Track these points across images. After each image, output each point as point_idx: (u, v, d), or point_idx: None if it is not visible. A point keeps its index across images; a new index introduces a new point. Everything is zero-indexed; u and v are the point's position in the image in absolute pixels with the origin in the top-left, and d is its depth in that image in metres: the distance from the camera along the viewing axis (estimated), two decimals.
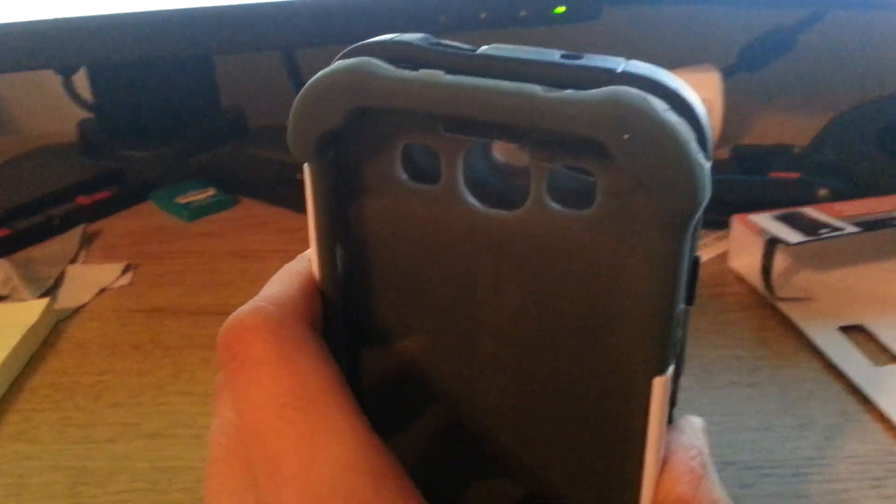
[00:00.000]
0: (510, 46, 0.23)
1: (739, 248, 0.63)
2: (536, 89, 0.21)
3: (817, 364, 0.52)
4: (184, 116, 0.90)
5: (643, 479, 0.25)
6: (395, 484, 0.23)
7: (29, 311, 0.60)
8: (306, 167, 0.25)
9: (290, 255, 0.28)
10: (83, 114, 0.93)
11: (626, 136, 0.21)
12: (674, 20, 1.05)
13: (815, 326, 0.55)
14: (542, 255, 0.24)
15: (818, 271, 0.61)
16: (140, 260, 0.70)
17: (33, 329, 0.58)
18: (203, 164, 0.85)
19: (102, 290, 0.66)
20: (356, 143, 0.25)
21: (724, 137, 0.86)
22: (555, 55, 0.23)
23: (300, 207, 0.77)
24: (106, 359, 0.57)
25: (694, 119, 0.22)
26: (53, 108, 1.02)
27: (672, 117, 0.21)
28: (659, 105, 0.21)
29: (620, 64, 0.22)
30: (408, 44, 0.24)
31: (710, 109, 0.81)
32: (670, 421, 0.26)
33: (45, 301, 0.61)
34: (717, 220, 0.66)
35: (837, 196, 0.68)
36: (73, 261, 0.70)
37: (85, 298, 0.65)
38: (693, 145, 0.21)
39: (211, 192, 0.80)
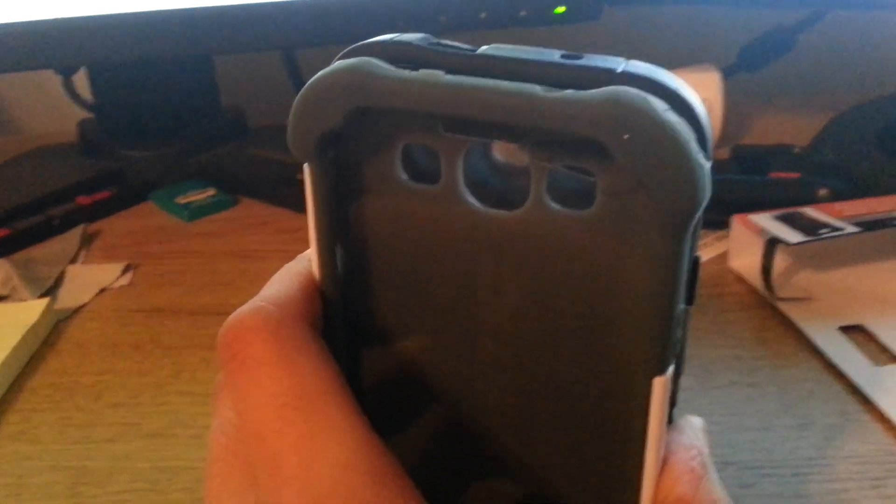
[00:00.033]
0: (510, 46, 0.23)
1: (739, 248, 0.63)
2: (536, 89, 0.21)
3: (817, 364, 0.52)
4: (184, 116, 0.91)
5: (643, 478, 0.25)
6: (395, 484, 0.23)
7: (29, 311, 0.60)
8: (306, 167, 0.25)
9: (290, 256, 0.28)
10: (83, 114, 0.93)
11: (626, 136, 0.21)
12: (674, 20, 1.05)
13: (815, 326, 0.55)
14: (542, 255, 0.24)
15: (818, 271, 0.61)
16: (140, 260, 0.70)
17: (33, 329, 0.58)
18: (203, 164, 0.85)
19: (102, 290, 0.66)
20: (356, 143, 0.25)
21: (724, 137, 0.86)
22: (555, 55, 0.23)
23: (300, 207, 0.77)
24: (106, 359, 0.57)
25: (694, 119, 0.22)
26: (53, 108, 1.02)
27: (672, 117, 0.21)
28: (659, 105, 0.21)
29: (620, 64, 0.22)
30: (408, 44, 0.24)
31: (710, 109, 0.81)
32: (670, 421, 0.26)
33: (45, 301, 0.61)
34: (717, 220, 0.66)
35: (837, 196, 0.68)
36: (73, 261, 0.70)
37: (85, 298, 0.65)
38: (693, 145, 0.21)
39: (211, 192, 0.80)
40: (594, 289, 0.24)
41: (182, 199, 0.79)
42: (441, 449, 0.28)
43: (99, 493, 0.45)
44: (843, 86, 1.03)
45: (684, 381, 0.26)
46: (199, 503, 0.43)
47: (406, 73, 0.23)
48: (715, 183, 0.22)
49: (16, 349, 0.55)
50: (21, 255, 0.71)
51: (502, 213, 0.24)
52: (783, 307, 0.57)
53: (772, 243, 0.58)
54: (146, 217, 0.79)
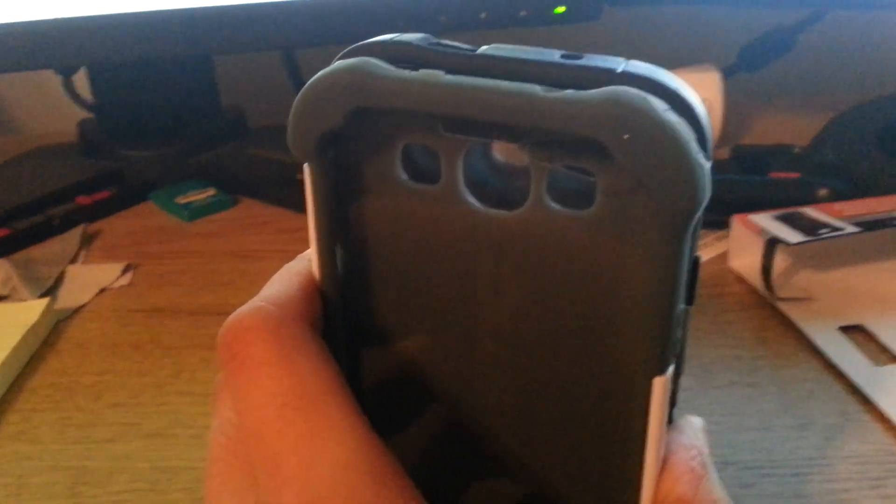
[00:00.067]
0: (510, 46, 0.23)
1: (739, 248, 0.63)
2: (536, 89, 0.21)
3: (817, 364, 0.52)
4: (184, 116, 0.91)
5: (643, 478, 0.25)
6: (396, 484, 0.23)
7: (29, 310, 0.60)
8: (306, 167, 0.25)
9: (289, 256, 0.28)
10: (83, 114, 0.93)
11: (626, 136, 0.21)
12: (674, 20, 1.05)
13: (815, 326, 0.55)
14: (542, 254, 0.24)
15: (818, 271, 0.62)
16: (140, 260, 0.70)
17: (33, 329, 0.58)
18: (203, 164, 0.85)
19: (102, 290, 0.66)
20: (356, 143, 0.25)
21: (724, 137, 0.87)
22: (555, 55, 0.23)
23: (300, 207, 0.77)
24: (106, 359, 0.57)
25: (694, 119, 0.22)
26: (53, 108, 1.02)
27: (672, 117, 0.21)
28: (659, 105, 0.21)
29: (620, 64, 0.22)
30: (408, 44, 0.24)
31: (709, 109, 0.81)
32: (670, 421, 0.26)
33: (45, 301, 0.61)
34: (717, 220, 0.66)
35: (837, 196, 0.68)
36: (73, 261, 0.71)
37: (85, 298, 0.65)
38: (693, 145, 0.21)
39: (211, 192, 0.80)
40: (594, 289, 0.24)
41: (182, 199, 0.79)
42: (441, 449, 0.29)
43: (99, 493, 0.45)
44: (843, 86, 1.03)
45: (684, 381, 0.26)
46: (198, 503, 0.43)
47: (406, 73, 0.23)
48: (715, 183, 0.22)
49: (16, 349, 0.55)
50: (21, 255, 0.71)
51: (502, 213, 0.24)
52: (783, 307, 0.57)
53: (772, 243, 0.58)
54: (146, 217, 0.79)
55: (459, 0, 0.79)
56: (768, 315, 0.58)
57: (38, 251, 0.72)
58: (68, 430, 0.50)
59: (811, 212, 0.63)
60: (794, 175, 0.72)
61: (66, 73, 0.90)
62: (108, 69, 0.89)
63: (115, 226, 0.78)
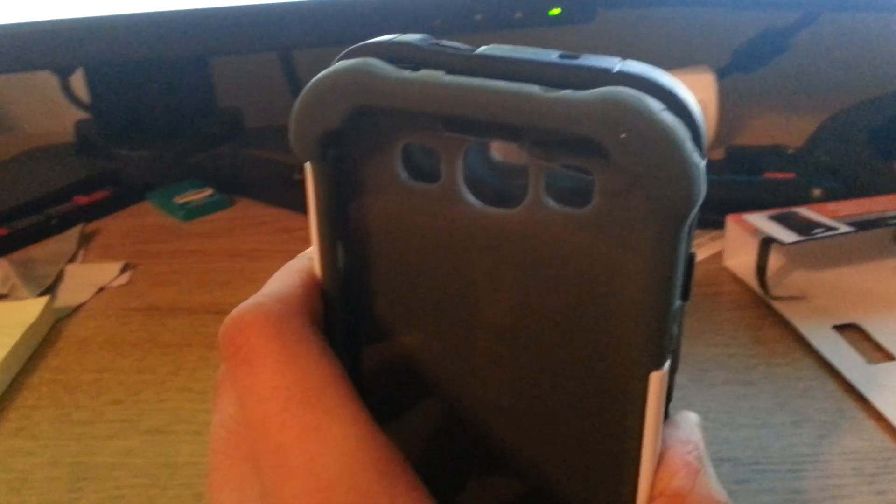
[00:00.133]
0: (508, 47, 0.24)
1: (734, 247, 0.64)
2: (535, 89, 0.22)
3: (812, 362, 0.53)
4: (181, 117, 0.91)
5: (640, 473, 0.25)
6: (399, 474, 0.23)
7: (28, 309, 0.60)
8: (308, 166, 0.25)
9: (287, 255, 0.29)
10: (80, 114, 0.93)
11: (622, 136, 0.21)
12: (668, 22, 1.05)
13: (810, 325, 0.55)
14: (539, 252, 0.24)
15: (812, 270, 0.62)
16: (138, 259, 0.71)
17: (33, 327, 0.58)
18: (200, 165, 0.85)
19: (101, 289, 0.66)
20: (357, 143, 0.25)
21: (718, 138, 0.87)
22: (552, 55, 0.23)
23: (297, 207, 0.77)
24: (105, 356, 0.57)
25: (689, 118, 0.22)
26: (51, 109, 1.02)
27: (668, 117, 0.21)
28: (655, 105, 0.21)
29: (617, 64, 0.23)
30: (408, 44, 0.24)
31: (704, 110, 0.81)
32: (666, 416, 0.26)
33: (44, 300, 0.61)
34: (713, 219, 0.66)
35: (831, 196, 0.68)
36: (71, 260, 0.71)
37: (84, 297, 0.65)
38: (688, 144, 0.21)
39: (208, 192, 0.80)
40: (591, 285, 0.24)
41: (179, 199, 0.79)
42: (440, 445, 0.29)
43: (99, 489, 0.45)
44: (837, 87, 1.04)
45: (680, 379, 0.26)
46: (199, 498, 0.43)
47: (406, 73, 0.23)
48: (710, 183, 0.22)
49: (15, 347, 0.56)
50: (20, 255, 0.71)
51: (501, 211, 0.24)
52: (778, 306, 0.58)
53: (766, 243, 0.58)
54: (144, 217, 0.80)
55: (455, 2, 0.79)
56: (763, 314, 0.58)
57: (36, 250, 0.72)
58: (68, 427, 0.50)
59: (805, 212, 0.63)
60: (788, 175, 0.72)
61: (64, 73, 0.90)
62: (106, 70, 0.89)
63: (113, 225, 0.78)
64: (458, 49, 0.24)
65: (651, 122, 0.21)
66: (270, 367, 0.24)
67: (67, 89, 0.91)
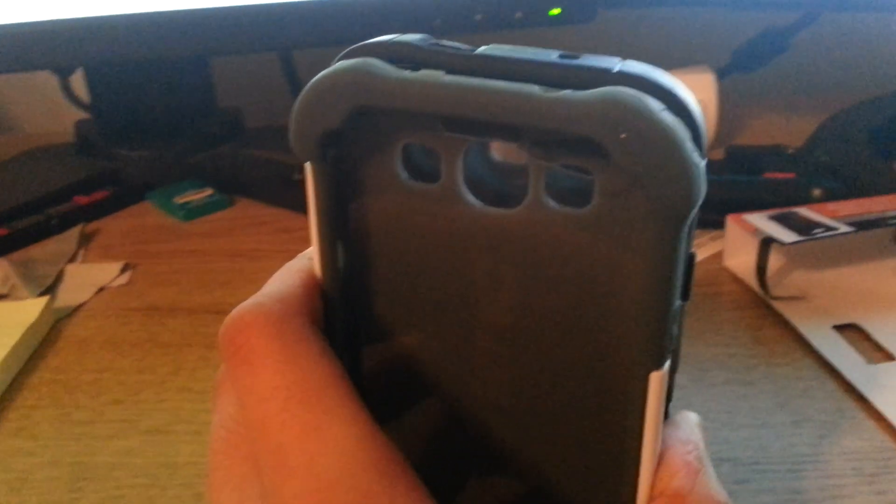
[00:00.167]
0: (509, 47, 0.24)
1: (734, 247, 0.64)
2: (535, 89, 0.22)
3: (812, 362, 0.53)
4: (181, 117, 0.91)
5: (640, 473, 0.25)
6: (400, 474, 0.24)
7: (28, 309, 0.60)
8: (308, 166, 0.25)
9: (286, 255, 0.29)
10: (80, 114, 0.93)
11: (622, 136, 0.21)
12: (668, 22, 1.05)
13: (810, 325, 0.55)
14: (539, 252, 0.24)
15: (812, 270, 0.62)
16: (138, 259, 0.71)
17: (33, 327, 0.58)
18: (200, 165, 0.85)
19: (101, 289, 0.66)
20: (357, 143, 0.25)
21: (718, 138, 0.87)
22: (552, 55, 0.23)
23: (297, 207, 0.77)
24: (105, 356, 0.57)
25: (689, 118, 0.22)
26: (51, 109, 1.02)
27: (668, 117, 0.21)
28: (655, 105, 0.21)
29: (617, 64, 0.23)
30: (408, 44, 0.24)
31: (704, 110, 0.82)
32: (666, 416, 0.26)
33: (44, 300, 0.61)
34: (713, 219, 0.66)
35: (831, 196, 0.68)
36: (71, 260, 0.71)
37: (84, 297, 0.65)
38: (688, 144, 0.21)
39: (208, 192, 0.80)
40: (591, 285, 0.24)
41: (179, 199, 0.79)
42: (440, 445, 0.29)
43: (99, 489, 0.45)
44: (837, 87, 1.04)
45: (680, 379, 0.26)
46: (199, 498, 0.43)
47: (406, 73, 0.23)
48: (710, 183, 0.22)
49: (15, 347, 0.56)
50: (20, 255, 0.71)
51: (501, 211, 0.24)
52: (778, 306, 0.58)
53: (766, 243, 0.59)
54: (144, 217, 0.80)
55: (455, 2, 0.79)
56: (763, 314, 0.58)
57: (36, 250, 0.72)
58: (68, 427, 0.50)
59: (805, 212, 0.63)
60: (788, 175, 0.72)
61: (64, 73, 0.91)
62: (106, 70, 0.89)
63: (113, 225, 0.78)
64: (458, 49, 0.24)
65: (651, 122, 0.21)
66: (270, 366, 0.25)
67: (67, 89, 0.91)
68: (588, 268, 0.24)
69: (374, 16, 0.78)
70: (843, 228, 0.59)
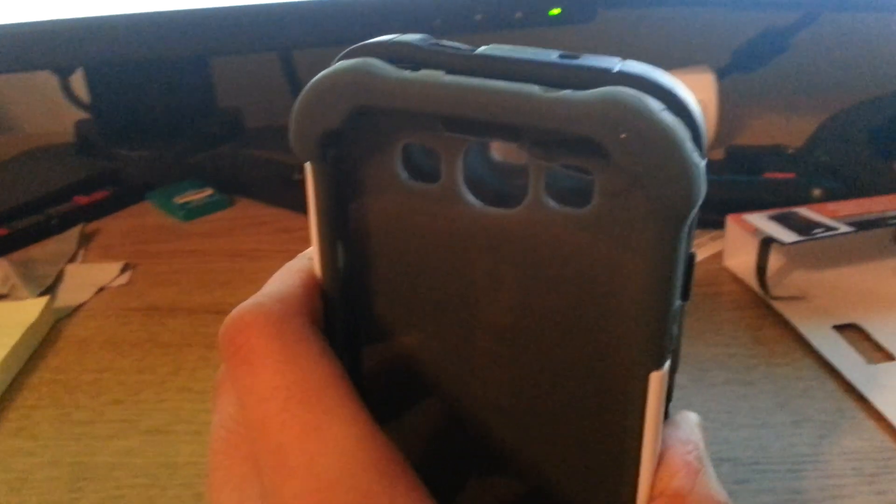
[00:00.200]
0: (509, 47, 0.24)
1: (734, 247, 0.64)
2: (535, 89, 0.22)
3: (812, 362, 0.53)
4: (181, 117, 0.91)
5: (640, 473, 0.25)
6: (400, 474, 0.24)
7: (28, 309, 0.60)
8: (308, 166, 0.25)
9: (286, 255, 0.29)
10: (80, 114, 0.93)
11: (623, 136, 0.21)
12: (668, 22, 1.05)
13: (810, 325, 0.55)
14: (539, 252, 0.24)
15: (812, 270, 0.62)
16: (138, 259, 0.71)
17: (33, 327, 0.58)
18: (200, 165, 0.85)
19: (101, 289, 0.66)
20: (357, 143, 0.25)
21: (718, 138, 0.87)
22: (552, 55, 0.23)
23: (297, 207, 0.77)
24: (105, 356, 0.57)
25: (689, 118, 0.22)
26: (51, 109, 1.02)
27: (668, 117, 0.21)
28: (655, 105, 0.21)
29: (617, 64, 0.23)
30: (408, 44, 0.24)
31: (704, 110, 0.82)
32: (666, 416, 0.26)
33: (44, 300, 0.61)
34: (713, 219, 0.66)
35: (831, 196, 0.68)
36: (71, 260, 0.71)
37: (84, 297, 0.65)
38: (689, 144, 0.21)
39: (208, 192, 0.80)
40: (591, 285, 0.24)
41: (179, 199, 0.79)
42: (440, 445, 0.29)
43: (99, 489, 0.45)
44: (837, 87, 1.04)
45: (679, 379, 0.26)
46: (199, 498, 0.43)
47: (406, 73, 0.23)
48: (710, 183, 0.22)
49: (15, 347, 0.56)
50: (20, 255, 0.71)
51: (501, 211, 0.24)
52: (778, 306, 0.58)
53: (766, 243, 0.59)
54: (144, 217, 0.80)
55: (455, 2, 0.79)
56: (763, 314, 0.58)
57: (36, 250, 0.72)
58: (68, 427, 0.50)
59: (805, 212, 0.63)
60: (788, 175, 0.72)
61: (64, 73, 0.91)
62: (106, 70, 0.89)
63: (113, 225, 0.78)
64: (458, 49, 0.24)
65: (651, 122, 0.21)
66: (270, 366, 0.25)
67: (67, 89, 0.92)
68: (588, 268, 0.24)
69: (374, 16, 0.78)
70: (843, 228, 0.59)
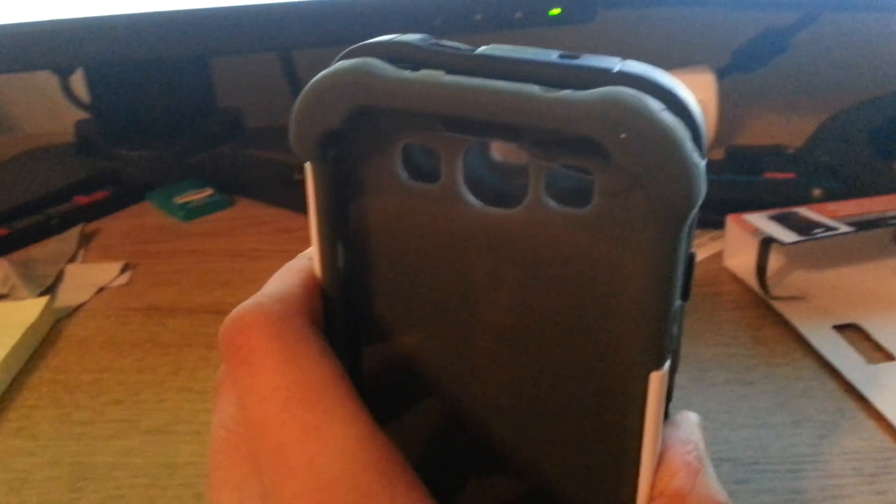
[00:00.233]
0: (509, 46, 0.24)
1: (734, 247, 0.64)
2: (535, 89, 0.22)
3: (812, 362, 0.53)
4: (181, 117, 0.91)
5: (640, 473, 0.25)
6: (400, 474, 0.23)
7: (28, 309, 0.60)
8: (308, 166, 0.25)
9: (286, 255, 0.29)
10: (80, 114, 0.93)
11: (623, 136, 0.21)
12: (668, 22, 1.05)
13: (810, 325, 0.55)
14: (539, 252, 0.24)
15: (812, 270, 0.62)
16: (138, 259, 0.71)
17: (33, 327, 0.58)
18: (200, 165, 0.85)
19: (101, 289, 0.66)
20: (357, 143, 0.25)
21: (718, 138, 0.87)
22: (552, 55, 0.23)
23: (297, 207, 0.77)
24: (105, 356, 0.57)
25: (689, 118, 0.22)
26: (51, 109, 1.02)
27: (668, 117, 0.21)
28: (655, 105, 0.21)
29: (617, 64, 0.23)
30: (408, 44, 0.24)
31: (704, 110, 0.82)
32: (666, 416, 0.26)
33: (44, 300, 0.61)
34: (713, 220, 0.66)
35: (831, 196, 0.68)
36: (71, 260, 0.71)
37: (84, 297, 0.65)
38: (689, 144, 0.21)
39: (208, 192, 0.80)
40: (591, 285, 0.24)
41: (179, 199, 0.79)
42: (440, 445, 0.29)
43: (99, 489, 0.45)
44: (837, 87, 1.04)
45: (679, 379, 0.26)
46: (199, 498, 0.43)
47: (406, 73, 0.23)
48: (710, 183, 0.22)
49: (15, 347, 0.56)
50: (20, 255, 0.71)
51: (501, 211, 0.24)
52: (778, 306, 0.58)
53: (766, 243, 0.59)
54: (144, 217, 0.80)
55: (455, 2, 0.79)
56: (763, 314, 0.58)
57: (36, 250, 0.72)
58: (68, 427, 0.50)
59: (805, 212, 0.63)
60: (788, 175, 0.72)
61: (64, 73, 0.91)
62: (106, 70, 0.89)
63: (113, 225, 0.78)
64: (458, 49, 0.24)
65: (651, 122, 0.21)
66: (270, 366, 0.24)
67: (67, 89, 0.92)
68: (588, 268, 0.24)
69: (374, 16, 0.78)
70: (843, 228, 0.59)
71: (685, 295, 0.24)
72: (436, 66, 0.23)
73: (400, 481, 0.23)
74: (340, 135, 0.24)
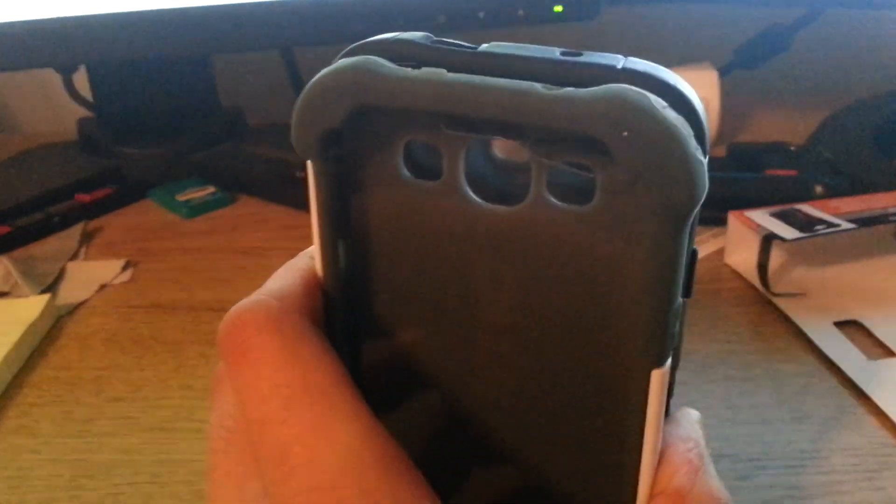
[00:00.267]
0: (511, 44, 0.24)
1: (736, 244, 0.64)
2: (537, 87, 0.22)
3: (812, 358, 0.53)
4: (183, 115, 0.91)
5: (641, 470, 0.25)
6: (402, 471, 0.23)
7: (30, 307, 0.60)
8: (309, 164, 0.25)
9: (288, 252, 0.28)
10: (83, 112, 0.93)
11: (625, 134, 0.21)
12: (671, 19, 1.05)
13: (811, 321, 0.55)
14: (541, 250, 0.24)
15: (814, 267, 0.62)
16: (140, 257, 0.71)
17: (34, 325, 0.58)
18: (202, 162, 0.85)
19: (103, 287, 0.66)
20: (359, 140, 0.25)
21: (720, 135, 0.87)
22: (555, 52, 0.23)
23: (298, 205, 0.77)
24: (107, 354, 0.58)
25: (692, 116, 0.22)
26: (53, 107, 1.02)
27: (671, 114, 0.21)
28: (658, 102, 0.21)
29: (619, 61, 0.23)
30: (409, 42, 0.24)
31: (706, 108, 0.81)
32: (667, 413, 0.26)
33: (45, 297, 0.61)
34: (714, 216, 0.66)
35: (833, 193, 0.68)
36: (73, 257, 0.71)
37: (86, 295, 0.65)
38: (691, 142, 0.21)
39: (210, 189, 0.81)
40: (593, 283, 0.24)
41: (181, 197, 0.79)
42: (441, 442, 0.29)
43: (100, 486, 0.45)
44: (839, 84, 1.03)
45: (680, 375, 0.26)
46: (199, 496, 0.43)
47: (408, 71, 0.23)
48: (712, 180, 0.22)
49: (17, 344, 0.56)
50: (22, 252, 0.71)
51: (503, 208, 0.24)
52: (779, 302, 0.58)
53: (768, 240, 0.59)
54: (146, 214, 0.80)
55: (457, 0, 0.79)
56: (764, 310, 0.58)
57: (38, 248, 0.72)
58: (69, 424, 0.51)
59: (807, 208, 0.63)
60: (790, 172, 0.72)
61: (66, 71, 0.91)
62: (108, 68, 0.89)
63: (115, 223, 0.78)
64: (461, 47, 0.24)
65: (654, 120, 0.21)
66: (270, 364, 0.24)
67: (70, 87, 0.92)
68: (590, 265, 0.24)
69: (375, 14, 0.78)
70: (845, 225, 0.59)
71: (687, 292, 0.24)
72: (437, 65, 0.23)
73: (403, 478, 0.23)
74: (342, 133, 0.24)
